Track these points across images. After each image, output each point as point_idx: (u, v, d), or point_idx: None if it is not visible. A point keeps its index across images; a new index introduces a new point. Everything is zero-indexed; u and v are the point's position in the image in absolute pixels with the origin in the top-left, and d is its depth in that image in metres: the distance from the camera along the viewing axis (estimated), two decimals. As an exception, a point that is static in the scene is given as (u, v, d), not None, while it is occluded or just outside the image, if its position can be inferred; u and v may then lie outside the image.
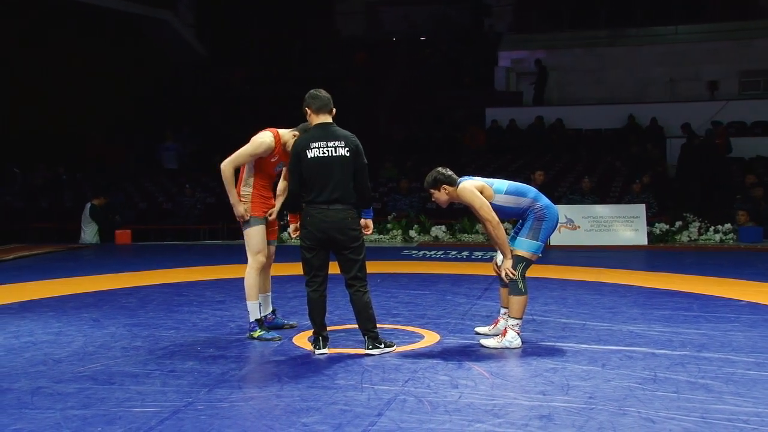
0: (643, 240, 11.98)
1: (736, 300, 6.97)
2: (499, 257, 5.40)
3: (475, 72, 22.08)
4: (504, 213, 5.28)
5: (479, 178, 5.38)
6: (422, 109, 20.97)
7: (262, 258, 5.54)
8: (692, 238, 12.18)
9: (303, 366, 4.77)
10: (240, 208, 5.48)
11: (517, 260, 5.19)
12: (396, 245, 12.26)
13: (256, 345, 5.37)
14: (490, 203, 5.18)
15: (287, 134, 5.49)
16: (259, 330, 5.51)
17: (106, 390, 4.26)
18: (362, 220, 5.18)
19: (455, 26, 25.56)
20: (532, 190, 5.32)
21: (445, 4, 26.05)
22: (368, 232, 5.26)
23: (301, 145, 5.04)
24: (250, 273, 5.52)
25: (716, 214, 12.78)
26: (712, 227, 12.25)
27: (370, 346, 5.00)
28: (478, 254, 10.72)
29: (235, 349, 5.25)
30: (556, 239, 12.00)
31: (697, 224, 12.33)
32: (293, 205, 5.18)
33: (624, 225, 12.15)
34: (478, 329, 5.69)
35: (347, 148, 4.99)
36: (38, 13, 19.45)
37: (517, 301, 5.17)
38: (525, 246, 5.20)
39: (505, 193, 5.24)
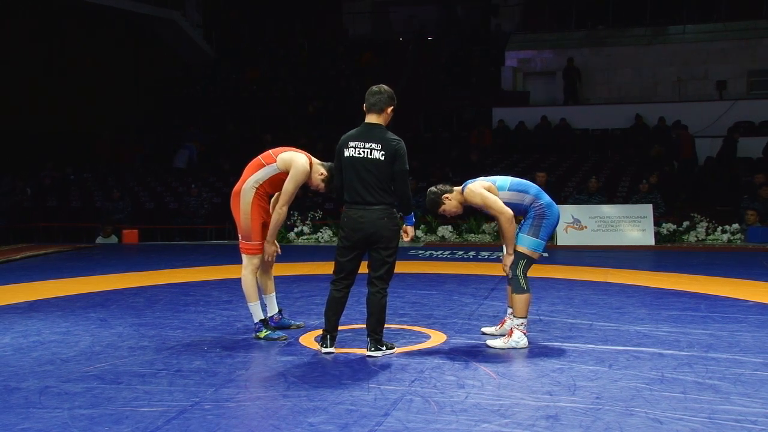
0: (650, 240, 11.95)
1: (744, 300, 6.95)
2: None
3: (482, 72, 22.07)
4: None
5: (481, 178, 5.39)
6: (429, 109, 20.98)
7: (256, 260, 5.54)
8: (700, 238, 12.15)
9: (309, 366, 4.77)
10: (271, 249, 5.51)
11: (518, 257, 5.19)
12: (402, 245, 12.24)
13: (262, 345, 5.37)
14: None
15: (317, 167, 5.48)
16: (264, 330, 5.52)
17: (113, 389, 4.27)
18: (404, 226, 5.17)
19: (462, 26, 25.57)
20: (533, 187, 5.33)
21: (453, 4, 26.05)
22: (407, 239, 5.24)
23: (342, 143, 5.03)
24: (246, 275, 5.52)
25: (724, 213, 12.76)
26: (720, 227, 12.21)
27: (372, 348, 4.98)
28: (485, 254, 10.71)
29: (242, 348, 5.25)
30: (563, 239, 11.99)
31: (705, 224, 12.30)
32: (342, 201, 5.14)
33: (631, 225, 12.12)
34: (485, 329, 5.69)
35: (383, 152, 4.90)
36: (48, 12, 19.54)
37: (519, 300, 5.16)
38: (526, 243, 5.20)
39: (509, 190, 5.25)
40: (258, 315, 5.55)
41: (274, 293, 5.86)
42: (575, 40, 21.58)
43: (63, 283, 8.35)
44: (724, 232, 12.10)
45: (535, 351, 5.10)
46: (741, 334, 5.54)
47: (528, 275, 5.23)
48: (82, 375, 4.58)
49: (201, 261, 10.32)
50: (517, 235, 5.29)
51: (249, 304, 5.55)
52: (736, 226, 12.14)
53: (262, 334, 5.50)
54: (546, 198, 5.30)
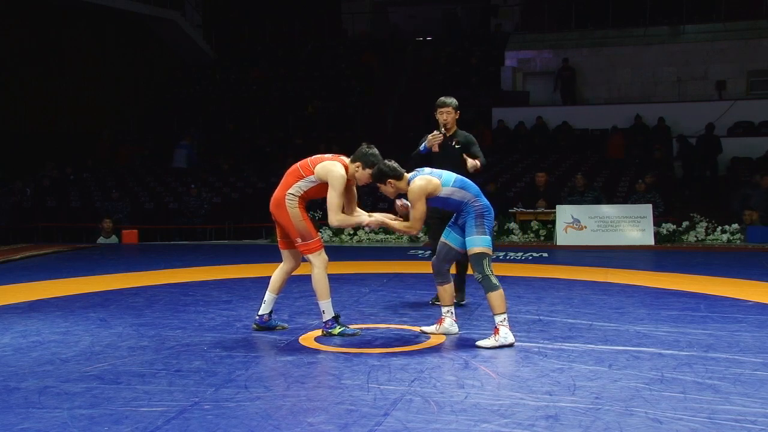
0: (650, 240, 11.95)
1: (744, 300, 6.94)
2: (441, 255, 5.48)
3: (482, 72, 22.06)
4: (448, 204, 5.36)
5: (428, 170, 5.44)
6: (429, 109, 20.96)
7: (323, 255, 5.52)
8: (699, 238, 12.15)
9: (309, 366, 4.77)
10: (374, 219, 5.54)
11: (480, 257, 5.21)
12: (402, 245, 12.25)
13: (262, 345, 5.37)
14: (437, 196, 5.27)
15: (352, 167, 5.48)
16: (338, 327, 5.50)
17: (113, 389, 4.27)
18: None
19: (462, 26, 25.58)
20: (474, 187, 5.40)
21: (453, 4, 26.06)
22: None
23: None
24: (316, 273, 5.47)
25: (724, 213, 12.77)
26: (720, 227, 12.21)
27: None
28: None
29: (242, 349, 5.25)
30: (563, 239, 11.99)
31: (704, 224, 12.29)
32: None
33: (631, 225, 12.12)
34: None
35: None
36: (48, 13, 19.54)
37: (494, 297, 5.18)
38: (479, 242, 5.23)
39: (452, 186, 5.31)
40: (330, 313, 5.51)
41: (278, 295, 5.84)
42: (575, 40, 21.57)
43: (63, 283, 8.35)
44: (723, 232, 12.11)
45: (535, 351, 5.10)
46: (741, 334, 5.53)
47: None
48: (82, 375, 4.58)
49: (201, 261, 10.32)
50: (454, 232, 5.38)
51: (321, 301, 5.50)
52: (735, 225, 12.14)
53: (336, 331, 5.47)
54: (485, 200, 5.38)
